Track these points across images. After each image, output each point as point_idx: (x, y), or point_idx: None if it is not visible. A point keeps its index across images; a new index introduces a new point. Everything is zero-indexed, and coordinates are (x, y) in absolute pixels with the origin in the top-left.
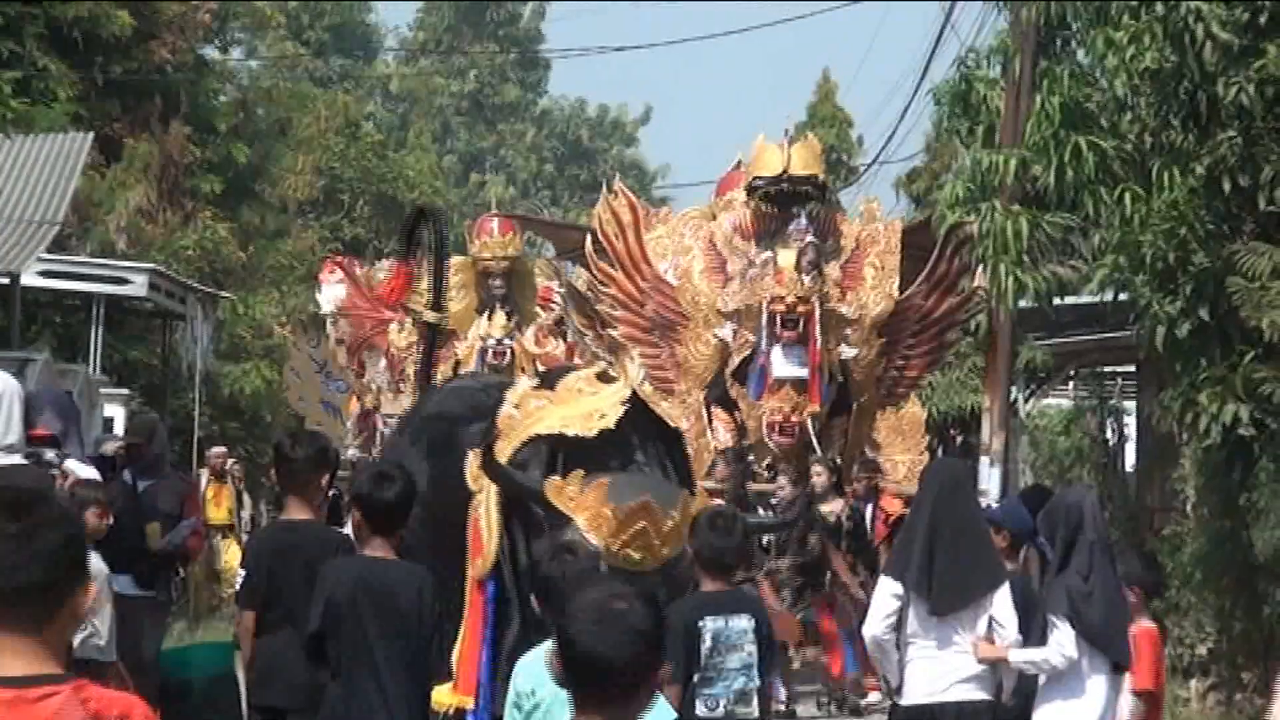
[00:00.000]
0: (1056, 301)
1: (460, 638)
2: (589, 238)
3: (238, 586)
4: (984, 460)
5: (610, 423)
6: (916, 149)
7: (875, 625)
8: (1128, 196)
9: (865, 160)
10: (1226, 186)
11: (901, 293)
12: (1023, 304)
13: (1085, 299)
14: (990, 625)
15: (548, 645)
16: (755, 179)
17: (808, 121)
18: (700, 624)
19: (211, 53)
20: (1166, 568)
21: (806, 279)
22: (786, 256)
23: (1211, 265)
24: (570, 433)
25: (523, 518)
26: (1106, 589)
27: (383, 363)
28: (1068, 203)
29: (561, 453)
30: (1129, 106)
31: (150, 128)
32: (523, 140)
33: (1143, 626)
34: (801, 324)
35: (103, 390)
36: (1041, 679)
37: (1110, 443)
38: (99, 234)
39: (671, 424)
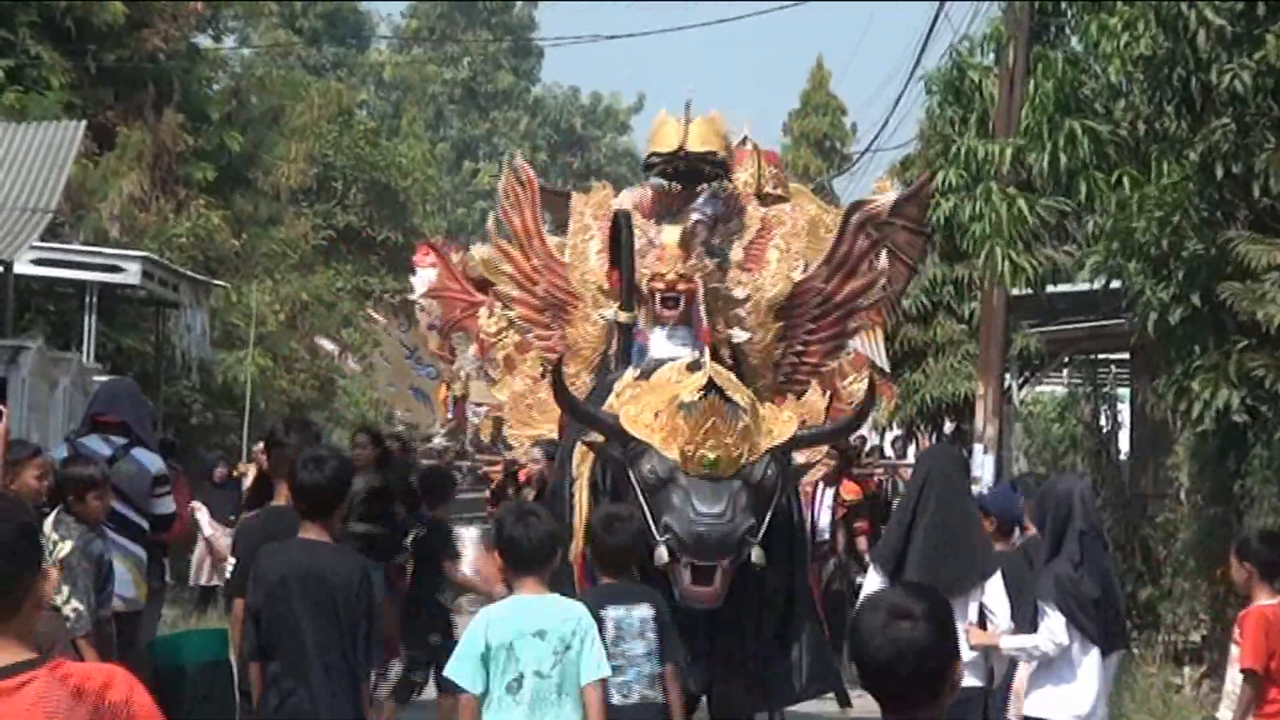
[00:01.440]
0: (1050, 288)
1: None
2: (491, 216)
3: (229, 573)
4: (977, 447)
5: None
6: (910, 136)
7: None
8: (1122, 183)
9: (859, 147)
10: (1220, 174)
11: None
12: (1016, 291)
13: (1079, 286)
14: (982, 612)
15: (512, 600)
16: (651, 155)
17: (802, 109)
18: (603, 613)
19: (204, 41)
20: (1160, 555)
21: (692, 257)
22: (671, 233)
23: (1205, 253)
24: None
25: (613, 494)
26: (1097, 576)
27: (472, 349)
28: (1062, 187)
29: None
30: (1123, 93)
31: (143, 116)
32: (516, 128)
33: (1254, 606)
34: (682, 303)
35: (96, 378)
36: (1033, 665)
37: (1104, 430)
38: (92, 222)
39: (749, 406)
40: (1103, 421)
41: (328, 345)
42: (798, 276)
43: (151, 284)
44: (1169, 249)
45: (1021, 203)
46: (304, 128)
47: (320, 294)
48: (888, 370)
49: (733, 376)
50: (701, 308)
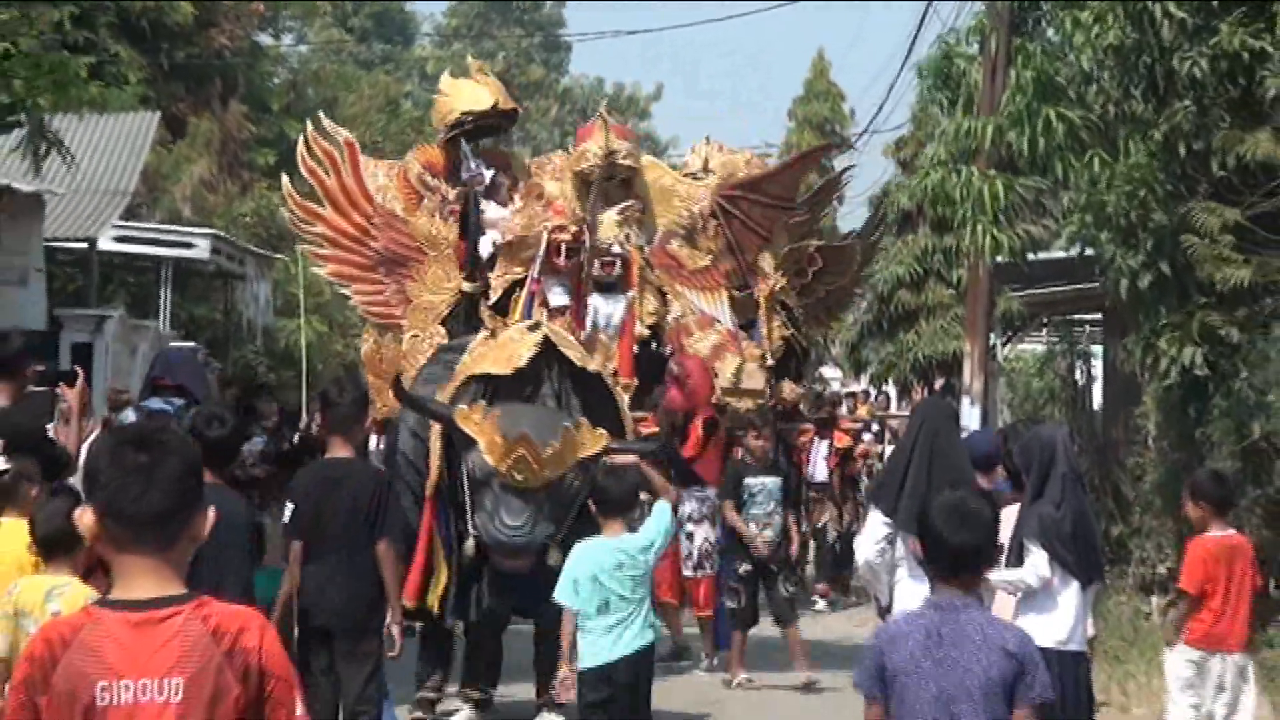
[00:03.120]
0: (1030, 256)
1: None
2: (284, 179)
3: (286, 518)
4: (965, 400)
5: (523, 363)
6: (903, 119)
7: (867, 550)
8: (1094, 161)
9: (857, 130)
10: (1182, 151)
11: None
12: (999, 259)
13: (1056, 254)
14: None
15: (599, 539)
16: (466, 114)
17: (805, 96)
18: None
19: (266, 39)
20: (1130, 495)
21: (577, 207)
22: (556, 187)
23: (1169, 223)
24: (494, 372)
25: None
26: (1076, 515)
27: None
28: (1040, 167)
29: (489, 389)
30: (1094, 80)
31: (211, 107)
32: (546, 115)
33: (1203, 536)
34: (579, 253)
35: (171, 344)
36: (1019, 596)
37: (1079, 383)
38: (166, 203)
39: (579, 364)
40: (1078, 376)
41: None
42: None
43: (220, 258)
44: (1137, 220)
45: (1000, 184)
46: (355, 117)
47: None
48: (733, 328)
49: (569, 337)
50: (583, 256)
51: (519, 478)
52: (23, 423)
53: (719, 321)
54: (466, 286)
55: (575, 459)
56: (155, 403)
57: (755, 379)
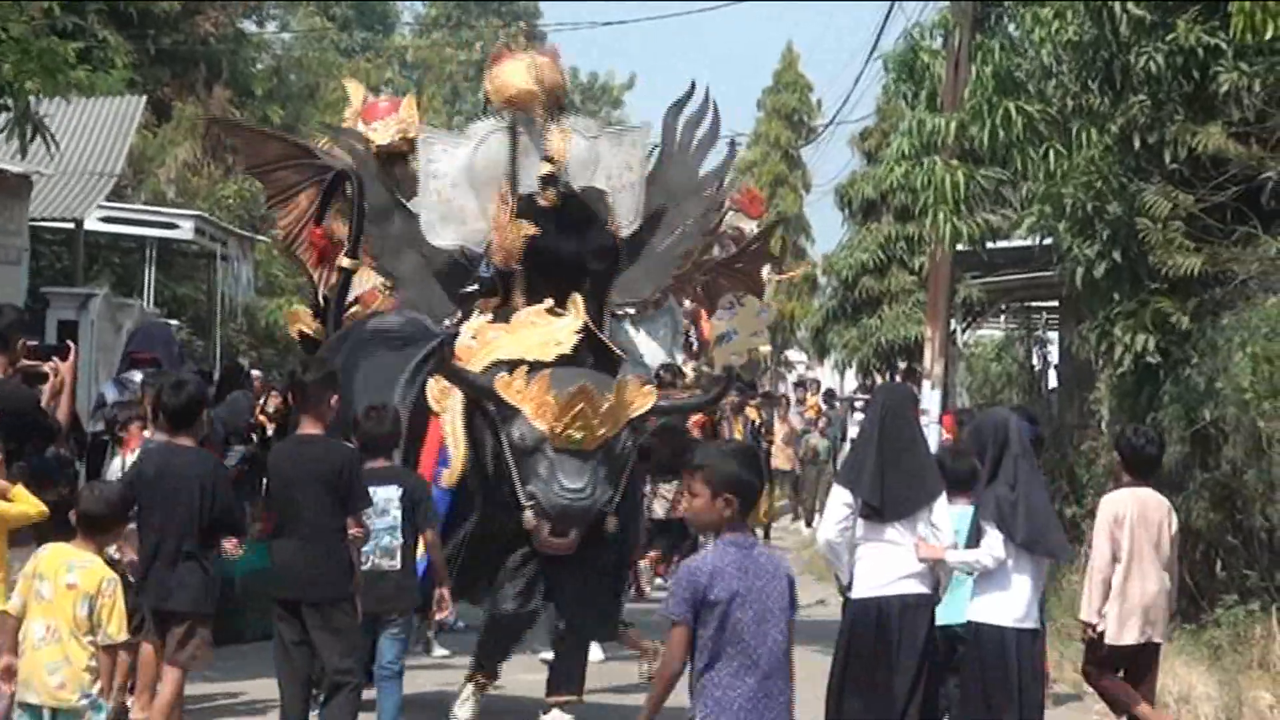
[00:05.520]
0: (990, 245)
1: None
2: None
3: (264, 492)
4: (926, 384)
5: (567, 349)
6: (869, 111)
7: (829, 530)
8: (1051, 153)
9: (823, 120)
10: (1137, 144)
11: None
12: (960, 247)
13: (1015, 243)
14: (929, 529)
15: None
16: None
17: (774, 86)
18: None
19: (250, 26)
20: (1083, 479)
21: None
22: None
23: (1124, 214)
24: (531, 357)
25: (485, 430)
26: (1030, 496)
27: None
28: (1000, 159)
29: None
30: (1053, 74)
31: (196, 92)
32: None
33: None
34: None
35: (155, 321)
36: (975, 576)
37: (1036, 368)
38: (151, 185)
39: (616, 351)
40: (1035, 361)
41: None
42: None
43: (203, 239)
44: (1093, 211)
45: (961, 174)
46: (337, 102)
47: None
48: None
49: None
50: None
51: (578, 436)
52: (17, 393)
53: None
54: (346, 263)
55: (627, 416)
56: (135, 375)
57: None
